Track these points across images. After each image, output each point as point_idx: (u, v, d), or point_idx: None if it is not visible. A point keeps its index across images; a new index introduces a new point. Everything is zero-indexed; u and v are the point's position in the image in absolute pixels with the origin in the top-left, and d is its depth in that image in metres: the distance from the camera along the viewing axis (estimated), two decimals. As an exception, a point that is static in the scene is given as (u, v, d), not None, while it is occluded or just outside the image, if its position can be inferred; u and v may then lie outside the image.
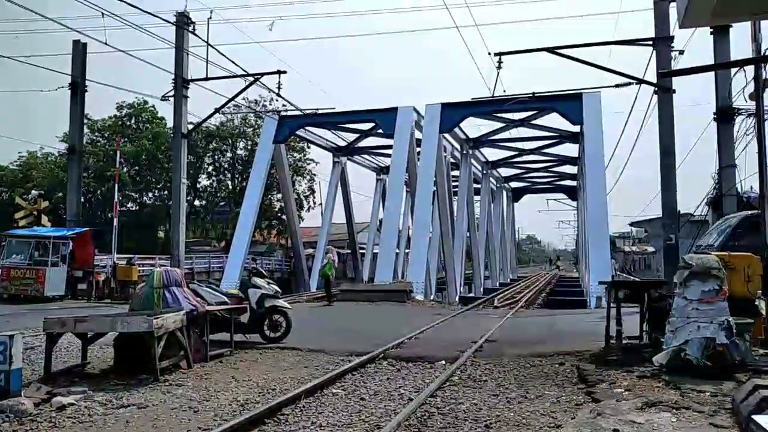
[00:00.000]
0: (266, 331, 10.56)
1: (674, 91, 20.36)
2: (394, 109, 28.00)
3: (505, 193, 52.73)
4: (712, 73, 18.27)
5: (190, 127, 27.47)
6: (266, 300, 10.51)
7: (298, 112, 30.05)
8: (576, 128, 29.25)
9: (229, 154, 51.53)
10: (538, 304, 24.75)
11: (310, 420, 5.60)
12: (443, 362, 8.62)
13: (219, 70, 24.50)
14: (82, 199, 31.45)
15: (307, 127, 32.10)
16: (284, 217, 40.87)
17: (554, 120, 29.60)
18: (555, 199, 57.50)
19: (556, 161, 41.21)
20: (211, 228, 53.92)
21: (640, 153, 25.32)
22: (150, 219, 47.88)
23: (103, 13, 18.54)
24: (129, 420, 5.62)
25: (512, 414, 5.77)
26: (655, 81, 20.26)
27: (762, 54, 11.42)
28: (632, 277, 31.59)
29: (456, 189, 36.41)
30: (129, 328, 7.35)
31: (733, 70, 15.96)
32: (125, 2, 16.83)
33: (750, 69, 12.32)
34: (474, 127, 34.38)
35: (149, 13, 20.03)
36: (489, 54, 21.59)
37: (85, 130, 36.32)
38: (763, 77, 11.26)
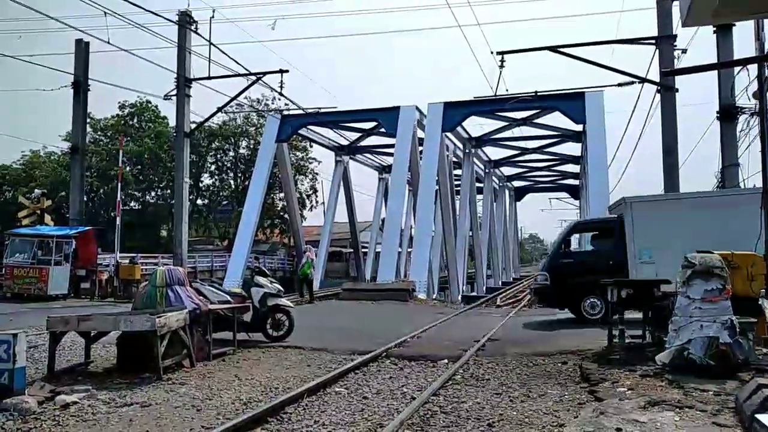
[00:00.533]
0: (269, 329, 10.57)
1: (677, 90, 20.31)
2: (397, 108, 28.03)
3: (507, 192, 52.69)
4: (715, 72, 18.21)
5: (193, 126, 27.47)
6: (269, 299, 10.52)
7: (300, 111, 30.09)
8: (579, 127, 29.24)
9: (231, 153, 51.53)
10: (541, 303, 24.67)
11: (313, 418, 5.61)
12: (446, 361, 8.63)
13: (221, 69, 24.60)
14: (85, 198, 31.55)
15: (309, 126, 32.12)
16: (287, 216, 40.86)
17: (557, 119, 29.58)
18: (557, 198, 57.34)
19: (558, 160, 41.16)
20: (213, 227, 53.89)
21: (643, 152, 25.30)
22: (153, 218, 47.89)
23: (105, 12, 18.61)
24: (132, 418, 5.63)
25: (515, 413, 5.77)
26: (657, 80, 20.21)
27: (765, 52, 11.37)
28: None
29: (458, 188, 36.41)
30: (132, 327, 7.37)
31: (737, 69, 15.91)
32: (128, 1, 16.88)
33: (753, 67, 12.28)
34: (476, 126, 34.42)
35: (152, 12, 19.99)
36: (491, 53, 21.67)
37: (88, 129, 36.42)
38: (766, 76, 11.21)
